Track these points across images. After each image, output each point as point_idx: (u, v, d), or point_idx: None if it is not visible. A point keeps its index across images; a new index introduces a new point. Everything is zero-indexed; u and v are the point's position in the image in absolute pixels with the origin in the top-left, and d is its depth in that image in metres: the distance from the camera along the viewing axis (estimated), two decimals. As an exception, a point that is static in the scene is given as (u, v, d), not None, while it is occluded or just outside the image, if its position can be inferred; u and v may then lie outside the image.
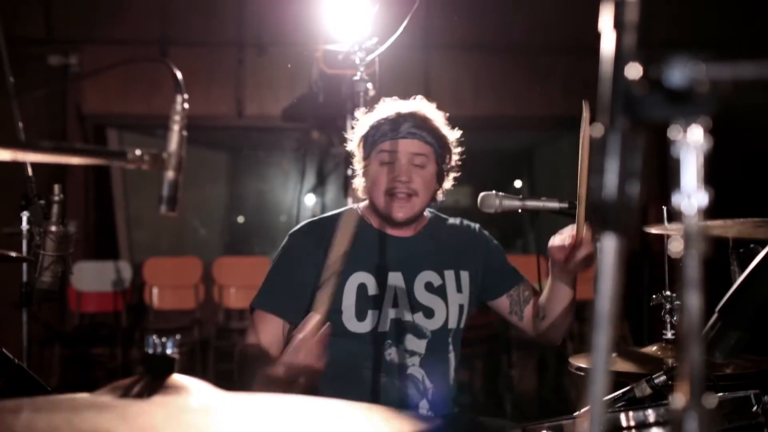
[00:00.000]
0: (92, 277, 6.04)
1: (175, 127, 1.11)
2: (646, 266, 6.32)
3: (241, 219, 8.48)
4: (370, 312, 2.11)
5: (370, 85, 3.04)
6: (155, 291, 6.14)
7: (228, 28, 6.44)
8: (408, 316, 2.14)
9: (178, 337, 1.13)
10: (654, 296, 1.89)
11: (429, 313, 2.17)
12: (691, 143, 0.67)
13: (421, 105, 2.22)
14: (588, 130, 1.78)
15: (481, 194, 2.20)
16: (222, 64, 6.41)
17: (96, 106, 6.29)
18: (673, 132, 0.69)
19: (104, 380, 5.69)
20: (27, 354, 2.72)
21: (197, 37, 6.38)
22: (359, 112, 2.30)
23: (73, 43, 6.16)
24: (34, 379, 1.43)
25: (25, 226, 2.60)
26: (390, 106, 2.21)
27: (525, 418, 5.34)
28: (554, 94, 6.77)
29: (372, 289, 2.13)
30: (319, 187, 6.72)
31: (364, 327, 2.11)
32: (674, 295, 1.87)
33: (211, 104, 6.32)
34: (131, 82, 6.29)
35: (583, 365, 1.91)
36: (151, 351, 1.11)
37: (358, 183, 2.27)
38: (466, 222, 2.38)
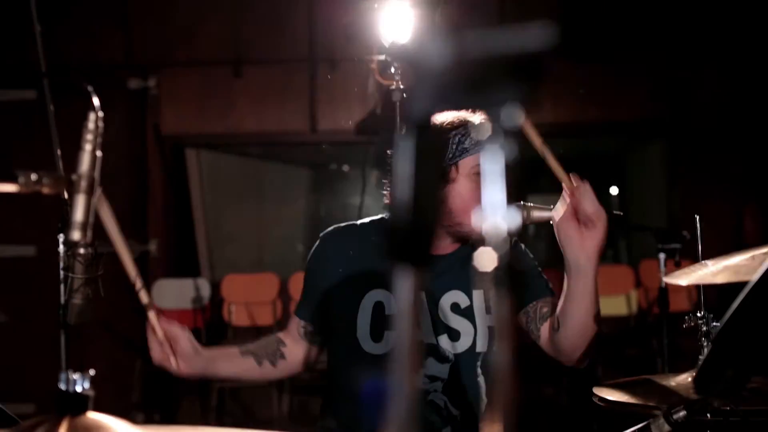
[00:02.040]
0: (172, 295, 6.13)
1: (87, 147, 1.04)
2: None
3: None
4: (386, 333, 1.99)
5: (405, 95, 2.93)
6: (233, 308, 6.18)
7: (299, 44, 6.45)
8: (430, 338, 2.00)
9: (92, 372, 1.04)
10: (687, 317, 1.69)
11: (455, 335, 2.03)
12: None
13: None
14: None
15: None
16: (294, 80, 6.42)
17: (173, 127, 6.41)
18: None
19: (184, 397, 5.74)
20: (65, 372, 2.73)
21: (270, 54, 6.42)
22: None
23: (152, 66, 6.31)
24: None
25: (62, 248, 2.62)
26: (458, 115, 2.02)
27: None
28: (640, 98, 6.47)
29: (390, 308, 2.00)
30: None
31: (381, 348, 1.99)
32: (710, 316, 1.67)
33: (284, 121, 6.34)
34: (206, 102, 6.39)
35: (611, 398, 1.71)
36: (63, 387, 1.03)
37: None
38: None
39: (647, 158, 7.84)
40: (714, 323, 1.66)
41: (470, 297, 2.06)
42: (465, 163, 1.97)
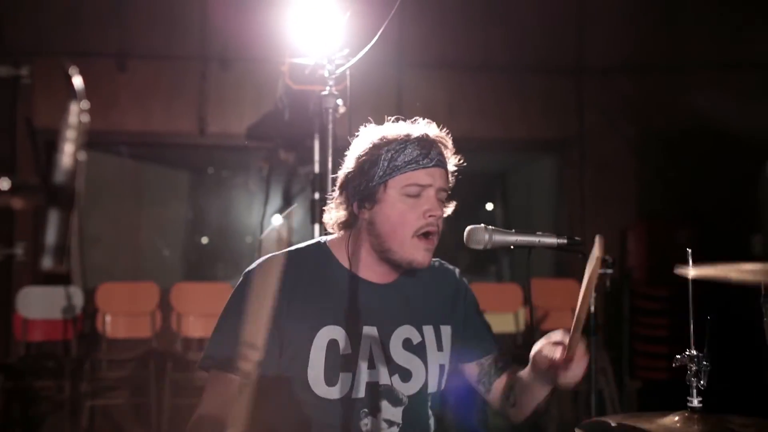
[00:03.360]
0: (40, 304, 5.64)
1: (67, 148, 0.80)
2: (626, 295, 6.08)
3: (205, 240, 8.12)
4: (342, 375, 1.75)
5: (340, 101, 2.73)
6: (108, 318, 5.75)
7: (191, 41, 6.11)
8: (385, 379, 1.79)
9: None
10: (678, 356, 1.59)
11: (406, 375, 1.82)
12: None
13: (430, 126, 1.87)
14: (597, 266, 1.54)
15: (469, 228, 1.89)
16: (184, 78, 6.08)
17: (48, 121, 5.91)
18: None
19: (50, 415, 5.29)
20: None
21: (158, 50, 6.05)
22: (362, 135, 1.88)
23: (25, 54, 5.80)
24: None
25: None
26: (395, 128, 1.84)
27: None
28: (532, 115, 6.55)
29: (344, 347, 1.76)
30: (285, 209, 6.41)
31: (335, 392, 1.74)
32: (701, 354, 1.57)
33: (172, 121, 5.98)
34: (87, 96, 5.92)
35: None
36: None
37: (332, 217, 1.89)
38: (445, 265, 2.04)
39: (534, 175, 7.96)
40: (704, 363, 1.56)
41: (421, 333, 1.88)
42: (395, 182, 1.79)
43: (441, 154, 1.83)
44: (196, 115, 6.09)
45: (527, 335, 6.33)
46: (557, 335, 1.71)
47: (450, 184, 1.89)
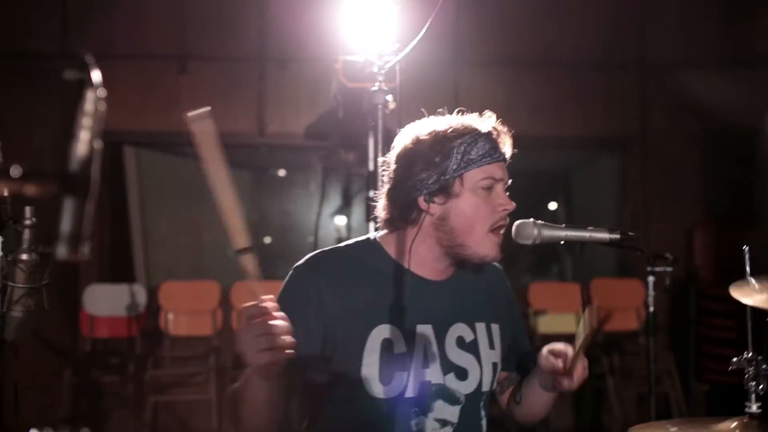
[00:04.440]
0: (105, 301, 5.78)
1: (83, 135, 0.80)
2: (693, 296, 5.92)
3: (267, 240, 8.19)
4: (396, 374, 1.71)
5: (390, 97, 2.71)
6: (171, 316, 5.85)
7: (248, 42, 6.18)
8: (439, 378, 1.76)
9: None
10: (734, 359, 1.53)
11: (462, 374, 1.79)
12: None
13: (493, 119, 1.83)
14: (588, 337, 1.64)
15: (517, 223, 1.86)
16: (243, 79, 6.15)
17: (112, 122, 6.04)
18: None
19: (115, 410, 5.41)
20: (15, 393, 2.42)
21: (217, 51, 6.14)
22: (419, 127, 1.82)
23: (90, 57, 5.93)
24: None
25: (-1, 253, 2.31)
26: (458, 120, 1.80)
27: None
28: (592, 113, 6.42)
29: (399, 346, 1.73)
30: (344, 209, 6.43)
31: (389, 392, 1.71)
32: (760, 357, 1.50)
33: (231, 121, 6.05)
34: (148, 98, 6.06)
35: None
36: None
37: (385, 213, 1.83)
38: (493, 263, 1.97)
39: (597, 174, 7.82)
40: (764, 366, 1.49)
41: (474, 330, 1.85)
42: (471, 176, 1.75)
43: (506, 147, 1.81)
44: (256, 115, 6.15)
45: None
46: (560, 346, 1.75)
47: None
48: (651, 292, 2.64)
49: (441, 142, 1.75)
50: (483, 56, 6.26)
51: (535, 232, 1.84)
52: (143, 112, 6.06)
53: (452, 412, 1.77)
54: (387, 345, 1.72)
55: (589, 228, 1.88)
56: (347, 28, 3.23)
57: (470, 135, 1.75)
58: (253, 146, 6.73)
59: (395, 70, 2.74)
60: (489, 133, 1.77)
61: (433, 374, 1.75)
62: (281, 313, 1.48)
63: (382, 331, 1.72)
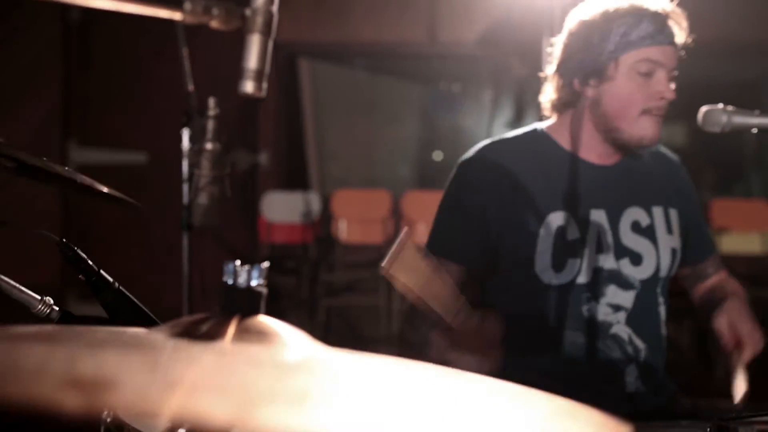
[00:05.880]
0: (282, 208, 6.01)
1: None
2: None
3: (438, 155, 8.17)
4: (569, 260, 1.71)
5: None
6: (343, 224, 6.01)
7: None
8: (612, 264, 1.73)
9: (265, 264, 0.81)
10: None
11: (637, 259, 1.76)
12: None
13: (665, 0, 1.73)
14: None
15: (704, 108, 1.72)
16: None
17: (286, 33, 6.16)
18: None
19: (290, 312, 5.68)
20: (188, 280, 2.57)
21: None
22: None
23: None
24: (135, 305, 1.19)
25: (186, 144, 2.43)
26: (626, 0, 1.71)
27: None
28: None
29: (572, 233, 1.72)
30: (516, 122, 6.29)
31: (561, 278, 1.71)
32: None
33: (403, 30, 6.00)
34: (321, 8, 6.10)
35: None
36: (230, 281, 0.80)
37: (548, 98, 1.80)
38: (664, 150, 1.93)
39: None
40: None
41: (650, 215, 1.80)
42: (626, 59, 1.68)
43: (676, 31, 1.70)
44: (427, 23, 6.06)
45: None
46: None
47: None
48: None
49: (603, 22, 1.70)
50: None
51: (725, 118, 1.68)
52: (316, 23, 6.12)
53: (626, 298, 1.74)
54: (560, 232, 1.71)
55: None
56: None
57: (634, 15, 1.68)
58: (425, 56, 6.67)
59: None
60: (656, 14, 1.68)
61: (606, 260, 1.73)
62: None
63: (554, 219, 1.72)
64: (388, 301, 5.69)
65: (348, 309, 6.04)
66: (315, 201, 6.06)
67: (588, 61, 1.70)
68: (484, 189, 1.75)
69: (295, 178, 6.54)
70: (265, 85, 0.78)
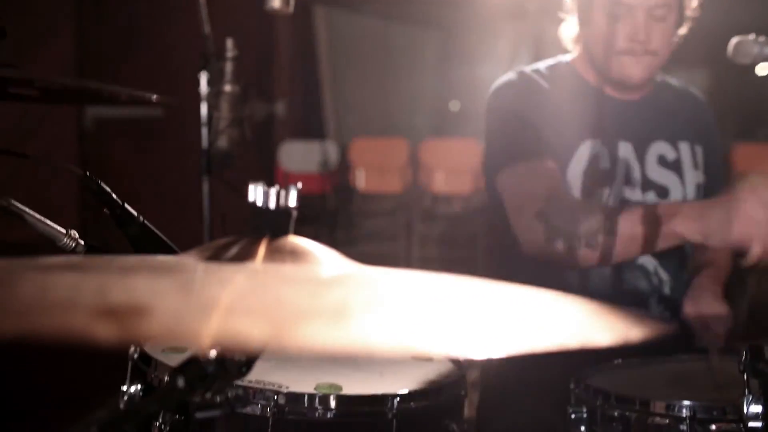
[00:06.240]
0: (299, 158, 5.98)
1: None
2: None
3: (455, 106, 8.08)
4: (597, 191, 1.72)
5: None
6: (361, 173, 5.98)
7: None
8: (637, 196, 1.74)
9: (299, 185, 0.79)
10: None
11: (663, 192, 1.76)
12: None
13: None
14: None
15: (735, 39, 1.67)
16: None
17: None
18: None
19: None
20: (209, 222, 2.55)
21: None
22: None
23: None
24: (160, 238, 1.18)
25: (204, 87, 2.40)
26: None
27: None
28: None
29: (602, 163, 1.73)
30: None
31: None
32: None
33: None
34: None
35: None
36: (259, 203, 0.78)
37: (567, 32, 1.82)
38: (691, 88, 1.93)
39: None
40: None
41: (677, 149, 1.80)
42: (599, 2, 1.68)
43: None
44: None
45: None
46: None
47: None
48: None
49: None
50: None
51: (756, 49, 1.63)
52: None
53: None
54: (590, 162, 1.72)
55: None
56: None
57: None
58: (442, 3, 6.57)
59: None
60: None
61: (633, 192, 1.74)
62: None
63: (585, 149, 1.72)
64: (407, 248, 5.69)
65: (366, 257, 6.03)
66: (332, 150, 6.03)
67: (576, 4, 1.76)
68: (518, 112, 1.76)
69: (311, 128, 6.51)
70: (292, 0, 0.76)
